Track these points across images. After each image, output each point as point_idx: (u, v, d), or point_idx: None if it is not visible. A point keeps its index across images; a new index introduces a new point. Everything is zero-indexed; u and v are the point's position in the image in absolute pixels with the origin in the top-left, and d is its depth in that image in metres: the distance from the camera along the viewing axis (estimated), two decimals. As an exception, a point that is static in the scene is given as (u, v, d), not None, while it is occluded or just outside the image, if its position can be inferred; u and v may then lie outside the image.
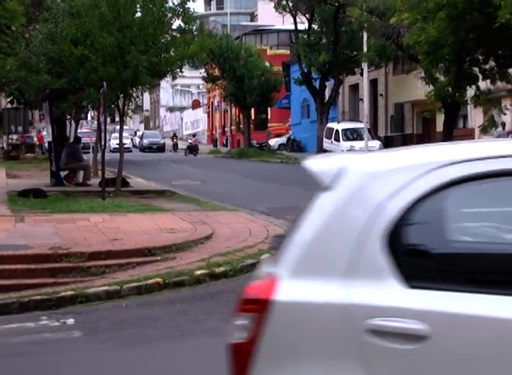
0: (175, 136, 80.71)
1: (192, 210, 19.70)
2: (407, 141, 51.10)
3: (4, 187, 25.28)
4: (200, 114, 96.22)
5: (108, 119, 35.87)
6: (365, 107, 46.09)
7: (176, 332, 9.05)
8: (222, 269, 12.05)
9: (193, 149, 64.38)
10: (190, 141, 67.07)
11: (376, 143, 45.09)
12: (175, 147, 75.20)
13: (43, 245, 13.08)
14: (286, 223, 17.53)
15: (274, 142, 67.43)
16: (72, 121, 39.93)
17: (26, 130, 51.00)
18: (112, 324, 9.54)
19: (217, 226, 16.21)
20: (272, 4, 53.44)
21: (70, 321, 9.73)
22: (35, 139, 60.69)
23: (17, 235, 14.44)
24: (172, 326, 9.34)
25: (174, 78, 32.43)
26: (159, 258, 12.84)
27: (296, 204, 22.26)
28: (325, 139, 47.39)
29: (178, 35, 25.84)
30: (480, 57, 31.96)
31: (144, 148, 76.90)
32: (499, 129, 34.87)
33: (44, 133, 50.21)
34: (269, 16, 74.94)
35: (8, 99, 48.35)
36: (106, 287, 11.11)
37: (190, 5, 25.52)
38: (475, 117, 40.73)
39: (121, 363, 7.98)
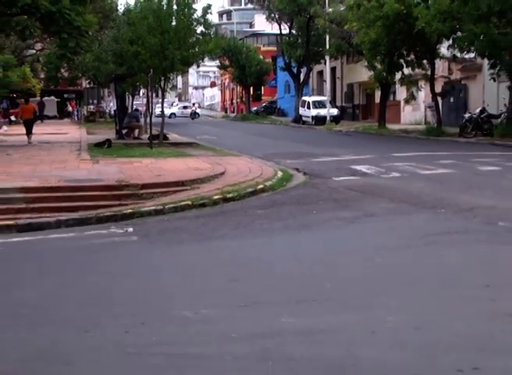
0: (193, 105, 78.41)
1: (210, 155, 19.67)
2: (355, 109, 50.94)
3: (85, 141, 25.29)
4: (216, 91, 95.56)
5: (154, 95, 35.64)
6: (327, 86, 45.80)
7: (201, 237, 9.13)
8: (231, 195, 12.08)
9: (193, 114, 63.82)
10: (192, 108, 66.12)
11: (335, 110, 44.92)
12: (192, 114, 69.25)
13: (111, 179, 13.11)
14: (274, 164, 17.58)
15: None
16: (130, 96, 39.72)
17: (99, 102, 50.86)
18: (158, 231, 9.62)
19: (227, 166, 16.20)
20: (264, 16, 53.01)
21: (130, 230, 9.80)
22: (104, 108, 60.21)
23: (94, 172, 14.47)
24: (199, 232, 9.41)
25: (198, 66, 32.27)
26: (189, 187, 12.86)
27: (282, 151, 22.39)
28: (300, 108, 47.10)
29: (201, 37, 25.65)
30: (404, 52, 31.78)
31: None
32: (430, 101, 34.34)
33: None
34: (262, 24, 74.01)
35: (87, 81, 48.10)
36: (154, 207, 11.16)
37: (208, 17, 25.50)
38: (401, 93, 40.42)
39: (164, 256, 8.09)
